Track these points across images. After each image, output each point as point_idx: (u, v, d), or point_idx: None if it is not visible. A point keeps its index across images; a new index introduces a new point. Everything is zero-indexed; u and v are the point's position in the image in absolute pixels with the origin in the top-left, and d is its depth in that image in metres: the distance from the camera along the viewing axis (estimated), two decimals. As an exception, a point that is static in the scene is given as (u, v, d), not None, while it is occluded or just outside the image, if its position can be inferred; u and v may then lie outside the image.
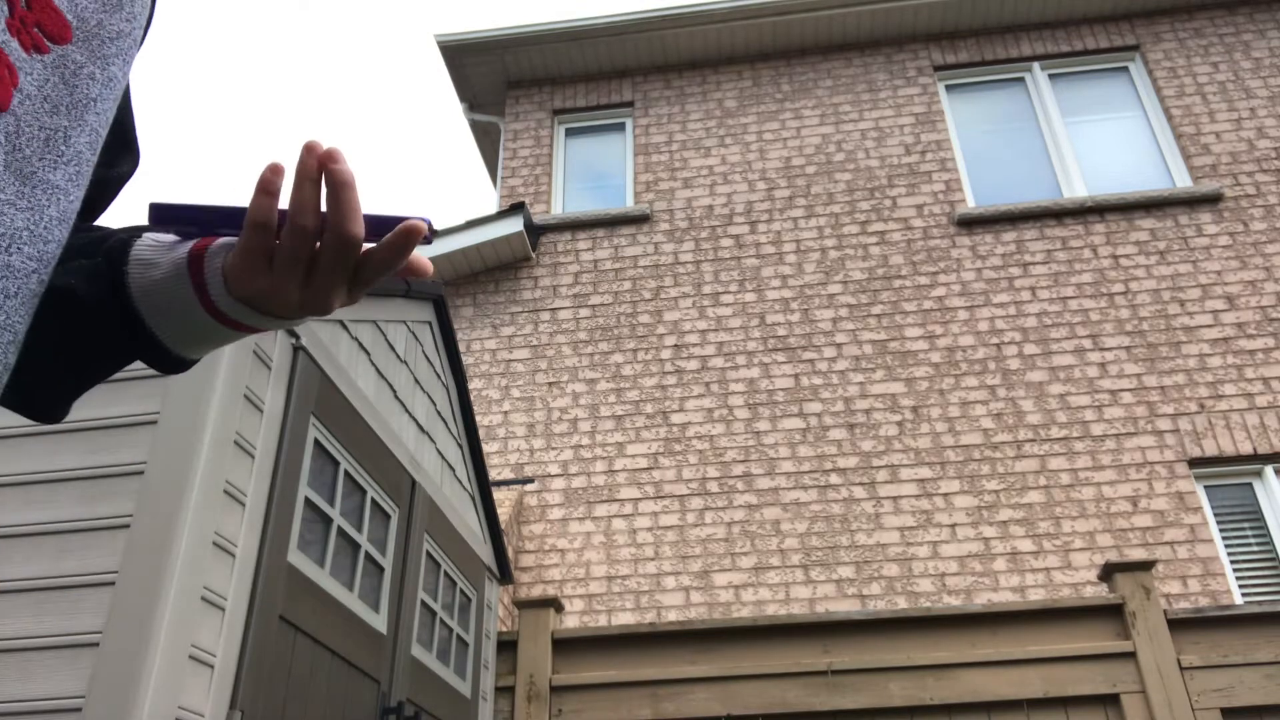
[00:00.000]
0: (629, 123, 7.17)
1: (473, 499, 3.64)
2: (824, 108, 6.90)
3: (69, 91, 0.56)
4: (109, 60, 0.60)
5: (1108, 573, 3.78)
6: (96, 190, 0.68)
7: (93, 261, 0.63)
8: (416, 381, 3.05)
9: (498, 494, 5.29)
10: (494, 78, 7.42)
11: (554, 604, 3.89)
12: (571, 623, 5.12)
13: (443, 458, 3.27)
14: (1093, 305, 5.85)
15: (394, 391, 2.83)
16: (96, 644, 1.63)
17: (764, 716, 3.61)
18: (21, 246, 0.51)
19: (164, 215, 0.61)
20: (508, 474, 5.68)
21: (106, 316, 0.62)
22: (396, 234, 0.58)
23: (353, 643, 2.41)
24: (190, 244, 0.62)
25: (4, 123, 0.52)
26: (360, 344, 2.62)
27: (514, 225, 6.29)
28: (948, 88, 7.00)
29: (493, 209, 7.92)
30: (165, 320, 0.62)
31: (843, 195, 6.50)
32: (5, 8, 0.53)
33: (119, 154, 0.70)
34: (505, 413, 5.91)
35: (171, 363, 0.66)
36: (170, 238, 0.63)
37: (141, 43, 0.66)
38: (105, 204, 0.71)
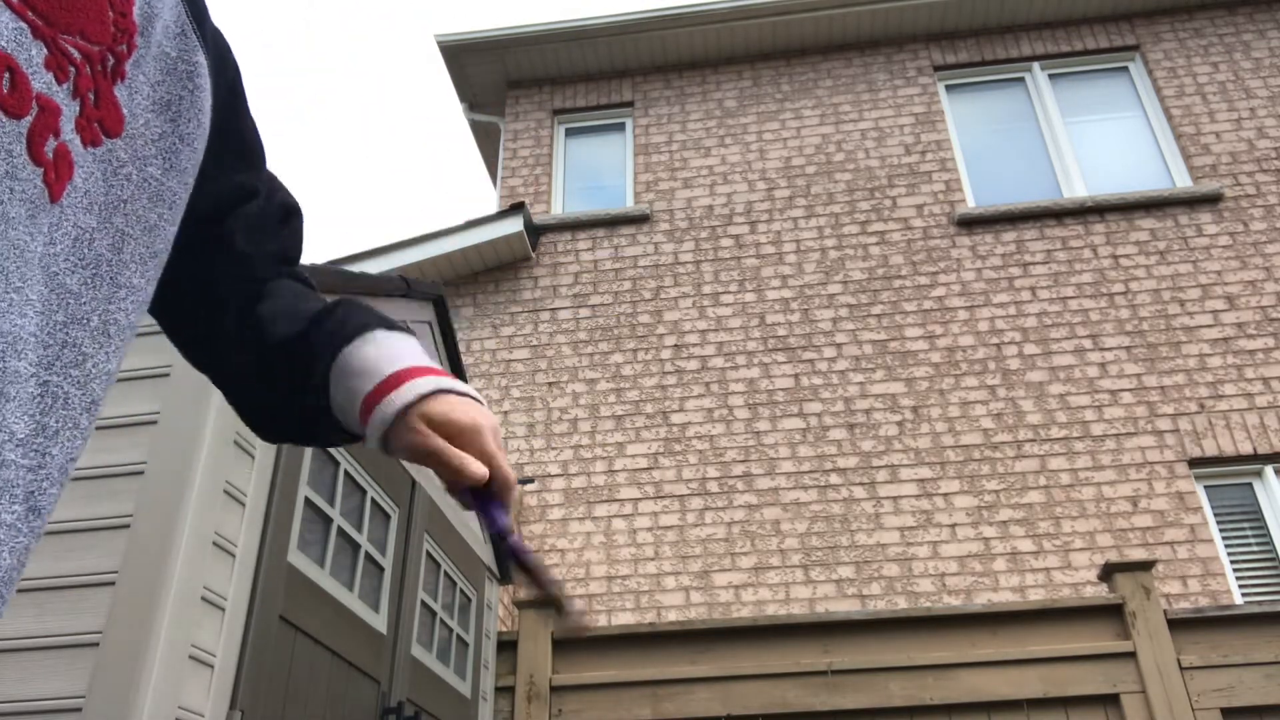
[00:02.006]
0: (629, 123, 7.17)
1: (473, 499, 3.63)
2: (824, 108, 6.89)
3: (105, 189, 0.57)
4: (148, 161, 0.61)
5: (1108, 573, 3.78)
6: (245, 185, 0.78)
7: (306, 345, 0.75)
8: (416, 381, 3.04)
9: (498, 494, 5.28)
10: (494, 78, 7.42)
11: (554, 604, 3.88)
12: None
13: (443, 458, 3.27)
14: (1093, 305, 5.85)
15: (394, 391, 2.82)
16: (96, 644, 1.63)
17: (764, 716, 3.61)
18: (27, 352, 0.51)
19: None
20: (508, 474, 5.68)
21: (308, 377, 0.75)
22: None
23: (353, 643, 2.41)
24: (368, 393, 0.71)
25: (51, 215, 0.53)
26: (360, 344, 2.61)
27: (514, 225, 6.29)
28: (948, 88, 7.00)
29: (493, 209, 7.92)
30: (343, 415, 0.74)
31: (843, 195, 6.50)
32: (78, 106, 0.55)
33: (236, 168, 0.78)
34: (505, 413, 5.91)
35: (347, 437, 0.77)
36: (366, 363, 0.72)
37: (196, 144, 0.67)
38: (262, 184, 0.81)
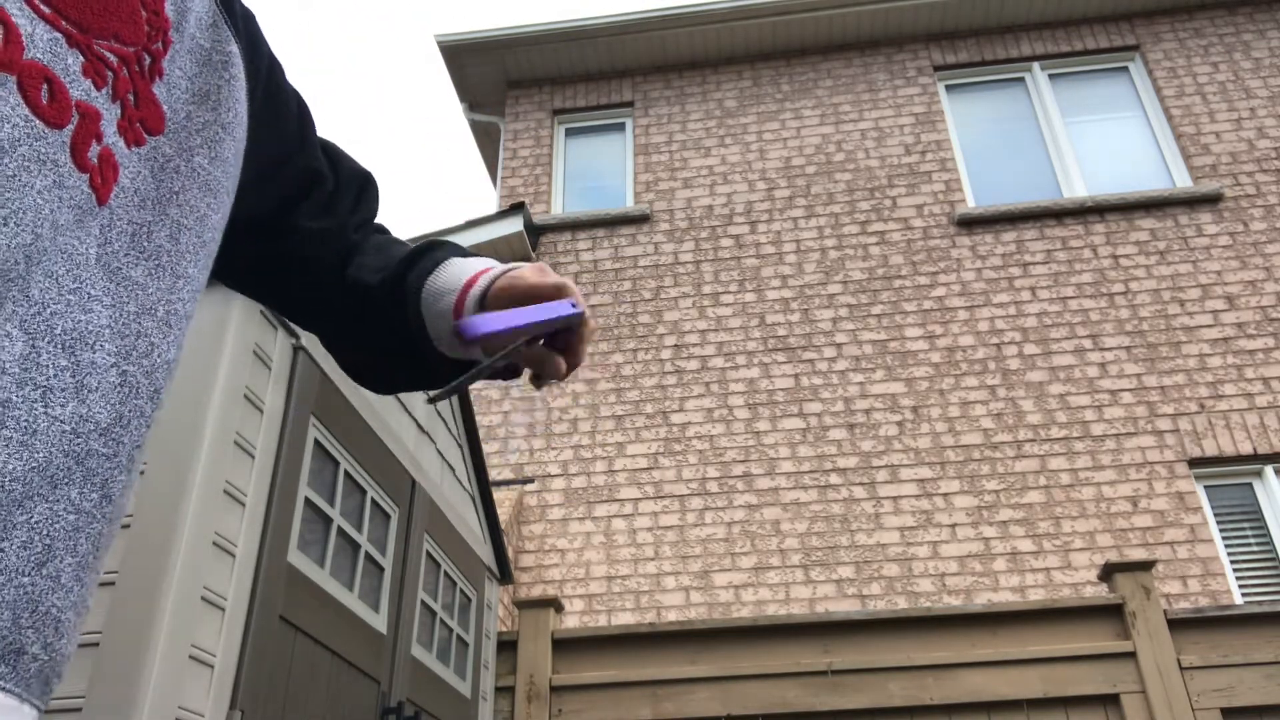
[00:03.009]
0: (629, 123, 7.17)
1: (473, 499, 3.64)
2: (824, 108, 6.89)
3: (155, 185, 0.58)
4: (194, 151, 0.62)
5: (1108, 573, 3.78)
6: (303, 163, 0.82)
7: (394, 276, 0.80)
8: (416, 381, 3.04)
9: (498, 494, 5.29)
10: (494, 78, 7.42)
11: (554, 604, 3.88)
12: (571, 623, 5.12)
13: (443, 458, 3.27)
14: (1093, 305, 5.85)
15: (394, 391, 2.82)
16: (96, 644, 1.63)
17: (764, 716, 3.61)
18: (104, 344, 0.52)
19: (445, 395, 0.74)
20: (508, 474, 5.68)
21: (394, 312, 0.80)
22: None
23: (353, 643, 2.41)
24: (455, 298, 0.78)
25: (101, 218, 0.53)
26: (360, 344, 2.61)
27: (514, 225, 6.29)
28: (948, 88, 7.00)
29: (493, 209, 7.92)
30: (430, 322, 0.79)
31: (843, 195, 6.50)
32: (118, 109, 0.55)
33: (294, 152, 0.82)
34: (505, 413, 5.91)
35: (434, 357, 0.81)
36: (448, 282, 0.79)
37: (236, 132, 0.68)
38: (315, 155, 0.84)
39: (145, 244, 0.56)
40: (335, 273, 0.83)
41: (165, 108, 0.60)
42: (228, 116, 0.66)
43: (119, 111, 0.55)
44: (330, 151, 0.87)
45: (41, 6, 0.52)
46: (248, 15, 0.75)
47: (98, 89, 0.54)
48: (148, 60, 0.59)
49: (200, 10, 0.66)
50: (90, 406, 0.51)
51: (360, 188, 0.88)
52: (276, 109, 0.78)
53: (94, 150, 0.53)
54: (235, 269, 0.80)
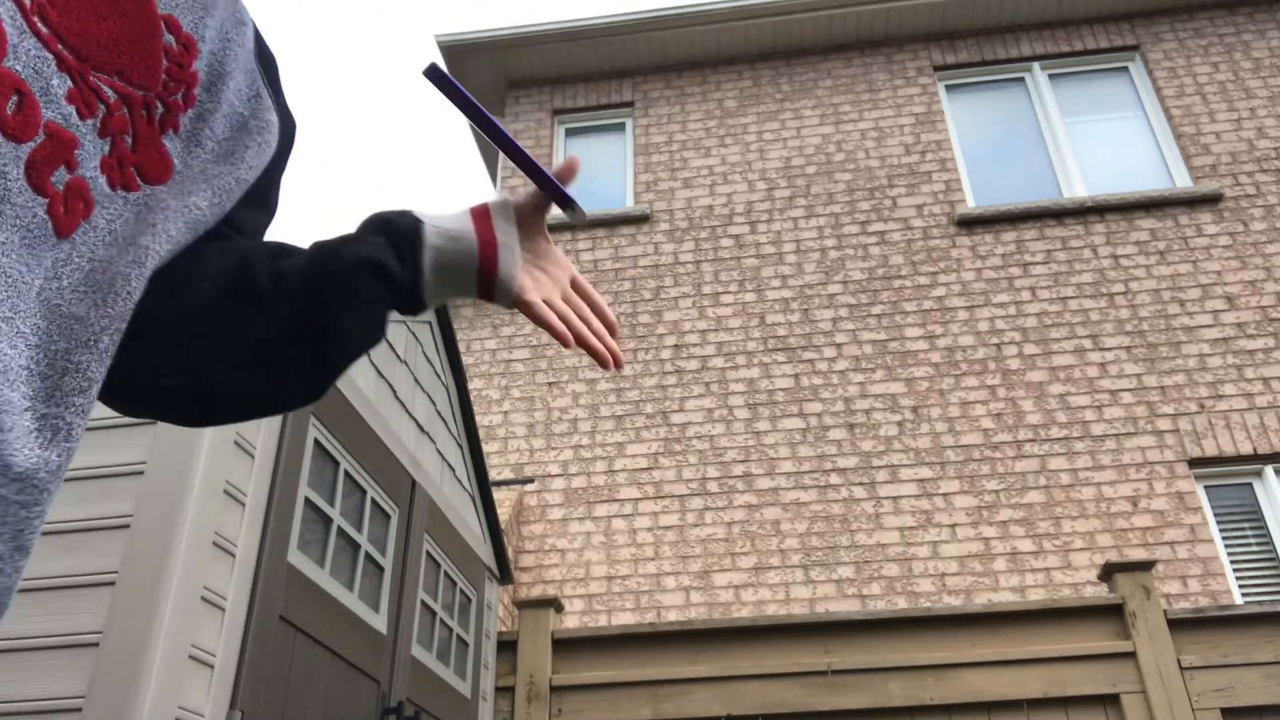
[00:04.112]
0: (629, 123, 7.17)
1: (473, 499, 3.64)
2: (824, 108, 6.89)
3: (135, 225, 0.56)
4: (192, 193, 0.61)
5: (1108, 573, 3.78)
6: (246, 231, 0.75)
7: (379, 237, 0.72)
8: (416, 381, 3.05)
9: (498, 494, 5.29)
10: (494, 78, 7.42)
11: (554, 604, 3.88)
12: (571, 623, 5.12)
13: (443, 458, 3.27)
14: (1093, 305, 5.85)
15: (394, 392, 2.83)
16: (96, 644, 1.63)
17: (764, 716, 3.61)
18: (19, 385, 0.48)
19: (441, 81, 0.73)
20: (508, 474, 5.68)
21: (393, 284, 0.71)
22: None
23: (353, 643, 2.41)
24: (475, 236, 0.74)
25: (57, 252, 0.51)
26: (360, 344, 2.61)
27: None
28: (948, 88, 7.00)
29: (493, 209, 7.91)
30: (437, 289, 0.73)
31: (843, 195, 6.50)
32: (106, 147, 0.54)
33: (257, 212, 0.75)
34: (505, 413, 5.90)
35: (414, 306, 0.75)
36: (450, 225, 0.74)
37: (247, 184, 0.67)
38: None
39: (98, 277, 0.54)
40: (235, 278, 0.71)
41: (176, 161, 0.59)
42: (247, 175, 0.67)
43: (105, 148, 0.54)
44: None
45: (39, 25, 0.51)
46: (286, 107, 0.76)
47: (81, 118, 0.53)
48: (160, 109, 0.58)
49: (242, 83, 0.66)
50: (2, 451, 0.47)
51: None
52: (269, 186, 0.77)
53: (60, 175, 0.51)
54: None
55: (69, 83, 0.52)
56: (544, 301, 0.72)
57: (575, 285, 0.76)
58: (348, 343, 0.71)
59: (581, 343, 0.72)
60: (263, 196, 0.76)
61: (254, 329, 0.66)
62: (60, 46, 0.52)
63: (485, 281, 0.72)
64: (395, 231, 0.72)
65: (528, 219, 0.75)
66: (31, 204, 0.50)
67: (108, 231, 0.54)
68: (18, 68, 0.49)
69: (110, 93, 0.55)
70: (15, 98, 0.49)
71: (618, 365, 0.76)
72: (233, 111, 0.65)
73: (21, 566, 0.50)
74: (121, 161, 0.55)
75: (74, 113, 0.52)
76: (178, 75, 0.59)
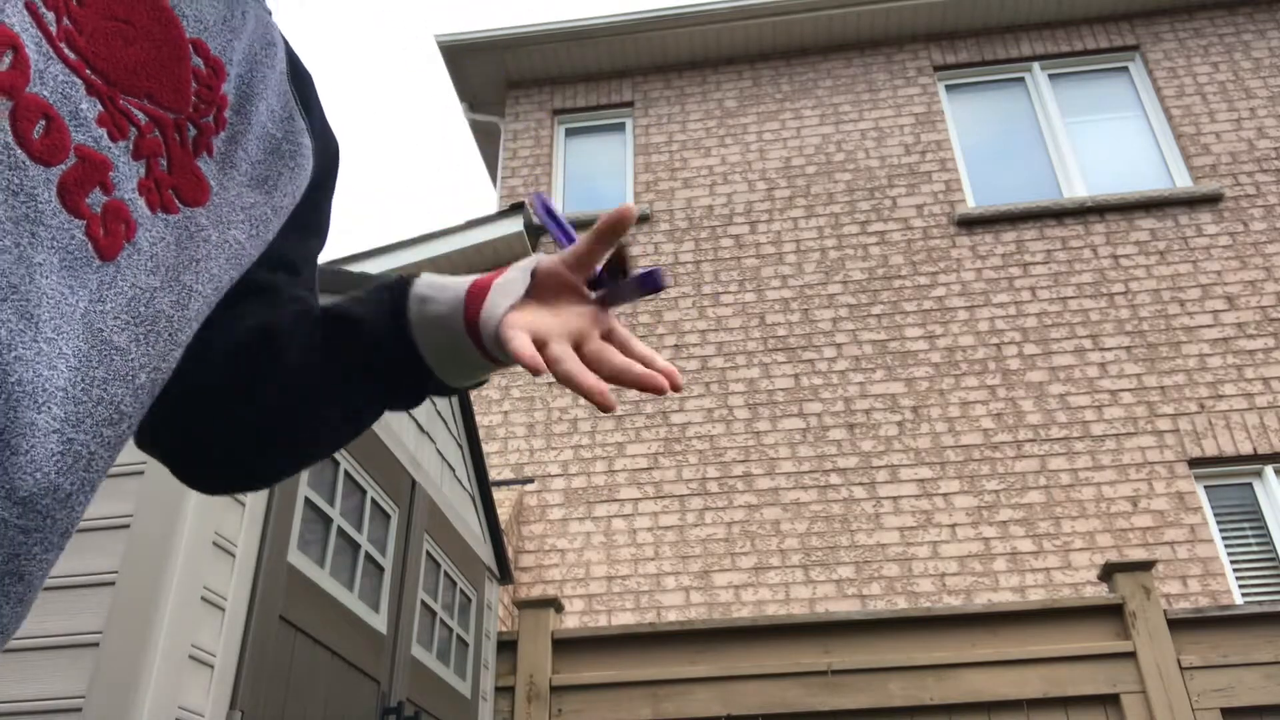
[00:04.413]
0: (629, 123, 7.17)
1: (473, 499, 3.64)
2: (824, 108, 6.89)
3: (177, 252, 0.56)
4: (231, 225, 0.61)
5: (1108, 573, 3.78)
6: (297, 260, 0.74)
7: (374, 293, 0.70)
8: (416, 381, 3.04)
9: (498, 494, 5.29)
10: (494, 78, 7.42)
11: (554, 604, 3.88)
12: (571, 623, 5.12)
13: (443, 458, 3.27)
14: (1093, 305, 5.85)
15: (394, 391, 2.83)
16: (96, 644, 1.63)
17: (764, 716, 3.61)
18: (51, 406, 0.47)
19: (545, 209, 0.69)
20: (508, 474, 5.68)
21: (382, 341, 0.68)
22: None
23: (353, 643, 2.41)
24: (469, 283, 0.68)
25: (102, 274, 0.51)
26: (360, 344, 2.61)
27: (514, 225, 6.29)
28: (948, 88, 7.00)
29: (493, 209, 7.92)
30: (435, 347, 0.68)
31: (843, 195, 6.50)
32: (142, 169, 0.54)
33: (307, 239, 0.75)
34: (505, 413, 5.91)
35: (436, 387, 0.71)
36: (446, 279, 0.70)
37: (285, 214, 0.67)
38: (308, 271, 0.77)
39: (142, 309, 0.54)
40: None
41: (212, 183, 0.59)
42: (283, 202, 0.66)
43: (141, 170, 0.54)
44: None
45: (66, 51, 0.51)
46: (326, 124, 0.75)
47: (113, 140, 0.53)
48: (192, 131, 0.58)
49: (275, 103, 0.66)
50: (5, 469, 0.45)
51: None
52: (317, 211, 0.76)
53: (96, 198, 0.51)
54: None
55: (99, 106, 0.52)
56: (531, 333, 0.63)
57: (612, 336, 0.67)
58: (319, 427, 0.70)
59: (566, 381, 0.62)
60: (307, 222, 0.75)
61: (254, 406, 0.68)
62: (88, 71, 0.52)
63: (471, 326, 0.65)
64: (382, 285, 0.70)
65: (550, 276, 0.68)
66: (68, 225, 0.49)
67: (150, 256, 0.54)
68: (44, 93, 0.49)
69: (141, 115, 0.55)
70: (43, 122, 0.49)
71: (671, 388, 0.66)
72: (265, 133, 0.64)
73: (16, 594, 0.48)
74: (159, 184, 0.55)
75: (105, 135, 0.52)
76: (207, 98, 0.60)
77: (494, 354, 0.66)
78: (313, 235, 0.76)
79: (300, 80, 0.73)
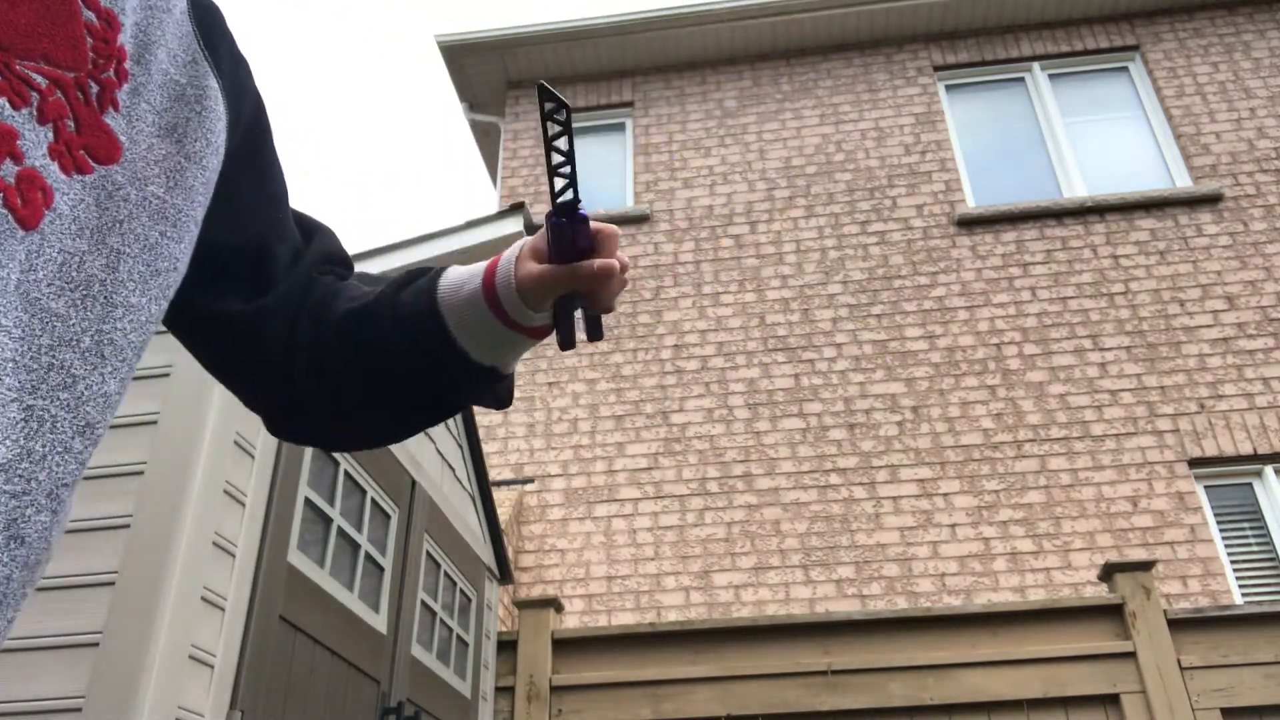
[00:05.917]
0: (629, 123, 7.17)
1: (473, 499, 3.64)
2: (824, 108, 6.89)
3: (99, 213, 0.56)
4: (148, 181, 0.60)
5: (1108, 573, 3.78)
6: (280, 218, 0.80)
7: (414, 286, 0.77)
8: (416, 381, 3.04)
9: (498, 494, 5.29)
10: (494, 78, 7.42)
11: (554, 604, 3.88)
12: (571, 623, 5.12)
13: (443, 458, 3.27)
14: (1093, 305, 5.85)
15: (394, 391, 2.83)
16: (96, 644, 1.63)
17: (764, 716, 3.61)
18: (4, 378, 0.49)
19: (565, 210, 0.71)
20: (508, 474, 5.68)
21: (425, 335, 0.76)
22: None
23: (353, 643, 2.41)
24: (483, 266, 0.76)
25: (28, 243, 0.51)
26: (360, 344, 2.61)
27: (514, 225, 6.29)
28: (948, 88, 7.00)
29: (493, 209, 7.92)
30: (464, 328, 0.75)
31: (843, 195, 6.50)
32: (51, 133, 0.54)
33: (260, 181, 0.78)
34: (505, 413, 5.90)
35: (476, 371, 0.77)
36: (470, 269, 0.77)
37: (206, 161, 0.66)
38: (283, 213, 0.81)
39: (74, 274, 0.54)
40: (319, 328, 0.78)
41: (122, 138, 0.58)
42: (194, 147, 0.64)
43: (50, 135, 0.53)
44: (304, 223, 0.85)
45: None
46: (237, 59, 0.74)
47: (15, 108, 0.52)
48: (94, 88, 0.57)
49: (175, 47, 0.64)
50: None
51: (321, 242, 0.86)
52: (262, 158, 0.77)
53: (8, 169, 0.51)
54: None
55: None
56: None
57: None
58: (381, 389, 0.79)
59: (617, 271, 0.71)
60: (263, 184, 0.77)
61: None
62: None
63: (489, 294, 0.73)
64: (414, 273, 0.79)
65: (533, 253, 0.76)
66: None
67: (73, 220, 0.54)
68: None
69: (40, 79, 0.54)
70: None
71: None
72: (168, 80, 0.63)
73: (21, 557, 0.50)
74: (69, 146, 0.54)
75: (6, 104, 0.52)
76: (104, 51, 0.58)
77: (514, 317, 0.73)
78: (267, 179, 0.79)
79: (204, 24, 0.70)
